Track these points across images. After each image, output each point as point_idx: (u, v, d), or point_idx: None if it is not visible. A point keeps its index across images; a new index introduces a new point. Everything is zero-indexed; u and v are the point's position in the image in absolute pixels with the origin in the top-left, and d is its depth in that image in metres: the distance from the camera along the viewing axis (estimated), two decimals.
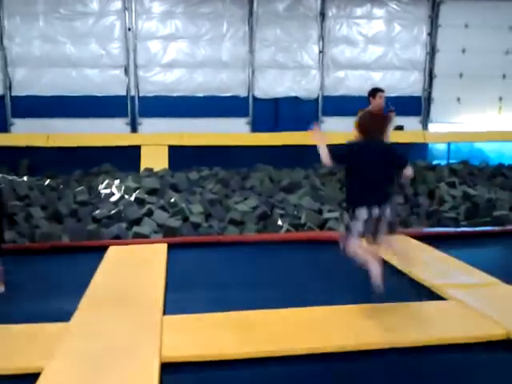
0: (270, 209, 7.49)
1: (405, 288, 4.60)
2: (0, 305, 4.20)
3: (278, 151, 11.39)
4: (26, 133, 11.04)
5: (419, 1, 12.08)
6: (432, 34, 12.23)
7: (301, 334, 3.51)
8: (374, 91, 5.98)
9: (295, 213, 7.29)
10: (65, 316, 3.72)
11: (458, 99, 12.54)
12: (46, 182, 8.69)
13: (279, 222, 6.94)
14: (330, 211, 7.27)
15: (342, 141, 12.10)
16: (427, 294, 4.39)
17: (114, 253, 5.42)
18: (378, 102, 5.93)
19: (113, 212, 7.06)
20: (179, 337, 3.44)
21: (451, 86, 12.43)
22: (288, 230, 6.64)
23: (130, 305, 3.97)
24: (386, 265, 5.10)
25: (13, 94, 11.15)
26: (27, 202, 7.71)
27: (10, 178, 8.53)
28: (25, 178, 8.83)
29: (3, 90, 11.08)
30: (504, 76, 12.57)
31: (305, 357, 3.31)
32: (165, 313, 3.85)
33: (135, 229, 6.41)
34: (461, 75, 12.43)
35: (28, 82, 11.14)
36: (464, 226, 6.93)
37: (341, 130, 11.50)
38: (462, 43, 12.30)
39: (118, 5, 11.23)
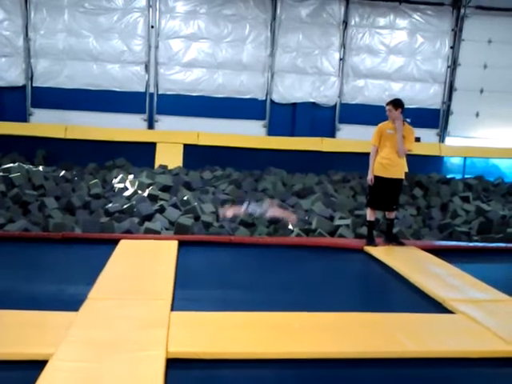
0: None
1: (413, 299, 4.57)
2: (11, 291, 4.24)
3: (292, 156, 11.41)
4: (45, 123, 11.19)
5: (443, 14, 12.04)
6: (454, 48, 12.18)
7: (306, 339, 3.50)
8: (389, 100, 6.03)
9: (306, 218, 7.30)
10: (74, 305, 3.75)
11: (477, 114, 12.46)
12: (61, 173, 8.79)
13: (290, 227, 6.95)
14: (341, 218, 7.27)
15: (357, 149, 12.23)
16: (435, 306, 4.36)
17: (124, 246, 5.46)
18: (387, 109, 5.96)
19: (125, 206, 7.12)
20: (186, 333, 3.45)
21: (471, 101, 12.37)
22: (298, 235, 6.64)
23: (139, 299, 3.99)
24: (398, 277, 5.11)
25: (34, 85, 11.31)
26: (42, 191, 7.81)
27: (26, 167, 8.63)
28: (40, 168, 8.93)
29: (25, 81, 11.25)
30: None
31: (309, 361, 3.31)
32: (172, 309, 3.86)
33: (147, 224, 6.45)
34: (481, 90, 12.36)
35: (49, 73, 11.31)
36: (476, 241, 6.88)
37: (356, 138, 11.60)
38: (484, 58, 12.23)
39: (143, 2, 11.36)
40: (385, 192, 6.03)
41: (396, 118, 5.90)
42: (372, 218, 6.21)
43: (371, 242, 6.12)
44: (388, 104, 5.98)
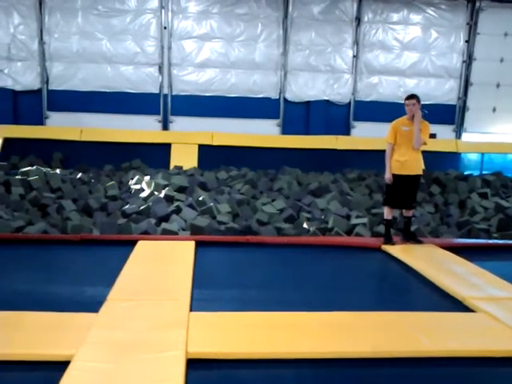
0: (297, 212, 7.49)
1: (433, 298, 4.53)
2: (31, 293, 4.29)
3: (307, 154, 11.39)
4: (61, 126, 11.30)
5: (458, 8, 11.90)
6: (470, 42, 12.04)
7: (325, 338, 3.48)
8: (409, 95, 5.95)
9: (322, 217, 7.27)
10: (94, 306, 3.78)
11: (494, 109, 12.30)
12: (78, 176, 8.87)
13: (305, 225, 6.93)
14: (358, 217, 7.22)
15: (372, 146, 12.15)
16: (455, 305, 4.31)
17: (142, 247, 5.49)
18: (406, 110, 5.87)
19: (142, 208, 7.16)
20: (205, 334, 3.45)
21: (487, 96, 12.21)
22: (315, 234, 6.62)
23: (158, 299, 4.01)
24: (417, 275, 5.06)
25: (49, 88, 11.43)
26: (59, 194, 7.89)
27: (44, 170, 8.72)
28: (58, 171, 9.01)
29: (40, 84, 11.37)
30: None
31: (328, 360, 3.29)
32: (191, 309, 3.88)
33: (164, 225, 6.48)
34: (498, 85, 12.19)
35: (64, 76, 11.43)
36: (496, 238, 6.80)
37: (371, 135, 11.53)
38: (501, 52, 12.06)
39: (155, 3, 11.40)
40: (403, 190, 5.97)
41: (416, 112, 5.83)
42: (389, 217, 6.15)
43: (389, 240, 6.07)
44: (411, 98, 5.85)
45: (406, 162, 5.92)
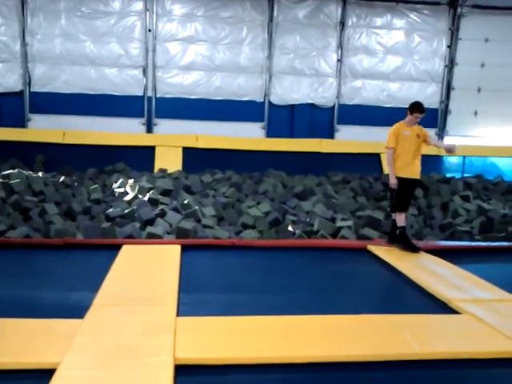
0: (282, 215, 7.48)
1: (419, 300, 4.57)
2: (15, 299, 4.22)
3: (291, 157, 11.41)
4: (43, 129, 11.15)
5: (440, 13, 12.06)
6: (452, 47, 12.20)
7: (314, 342, 3.49)
8: (423, 107, 6.09)
9: (308, 220, 7.28)
10: (79, 312, 3.74)
11: (475, 113, 12.48)
12: (61, 179, 8.75)
13: (291, 228, 6.93)
14: (343, 220, 7.25)
15: (356, 150, 12.20)
16: (441, 307, 4.35)
17: (127, 252, 5.44)
18: (415, 121, 5.99)
19: (126, 211, 7.09)
20: (193, 339, 3.43)
21: (468, 100, 12.38)
22: (300, 237, 6.63)
23: (144, 304, 3.97)
24: (403, 278, 5.10)
25: (32, 90, 11.28)
26: (42, 197, 7.78)
27: (26, 173, 8.58)
28: (40, 174, 8.88)
29: (22, 86, 11.21)
30: None
31: (317, 364, 3.29)
32: (178, 314, 3.85)
33: (149, 229, 6.43)
34: (479, 89, 12.37)
35: (47, 78, 11.28)
36: (478, 241, 6.88)
37: (355, 138, 11.62)
38: (482, 57, 12.25)
39: (140, 6, 11.33)
40: (410, 192, 6.06)
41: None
42: (405, 223, 6.07)
43: (414, 248, 5.94)
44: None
45: (409, 165, 5.96)
